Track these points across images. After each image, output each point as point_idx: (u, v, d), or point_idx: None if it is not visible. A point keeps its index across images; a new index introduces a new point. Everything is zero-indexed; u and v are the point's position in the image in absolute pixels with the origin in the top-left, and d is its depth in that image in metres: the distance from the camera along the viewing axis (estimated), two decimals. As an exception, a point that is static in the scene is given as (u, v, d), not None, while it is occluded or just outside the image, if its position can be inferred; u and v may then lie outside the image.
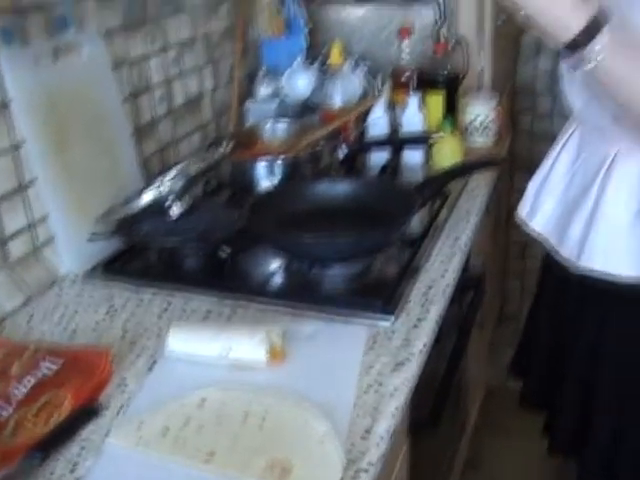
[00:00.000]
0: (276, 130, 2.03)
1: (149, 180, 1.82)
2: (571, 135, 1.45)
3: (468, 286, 1.84)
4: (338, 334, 1.33)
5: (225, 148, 1.63)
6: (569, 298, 1.50)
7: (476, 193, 1.91)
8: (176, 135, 2.07)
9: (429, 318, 1.37)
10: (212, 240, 1.55)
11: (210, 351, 1.24)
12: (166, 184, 1.53)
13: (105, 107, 1.72)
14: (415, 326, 1.34)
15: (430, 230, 1.68)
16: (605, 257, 1.34)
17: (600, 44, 1.09)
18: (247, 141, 1.96)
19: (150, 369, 1.25)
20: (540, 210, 1.49)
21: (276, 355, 1.23)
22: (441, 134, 1.91)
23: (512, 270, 3.51)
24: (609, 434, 1.46)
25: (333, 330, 1.34)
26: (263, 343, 1.22)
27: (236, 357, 1.23)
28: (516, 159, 3.21)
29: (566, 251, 1.41)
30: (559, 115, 1.42)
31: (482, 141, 2.20)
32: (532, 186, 1.54)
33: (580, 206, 1.37)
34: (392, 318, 1.35)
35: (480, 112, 2.17)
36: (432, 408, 1.45)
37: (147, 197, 1.52)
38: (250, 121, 2.26)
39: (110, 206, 1.61)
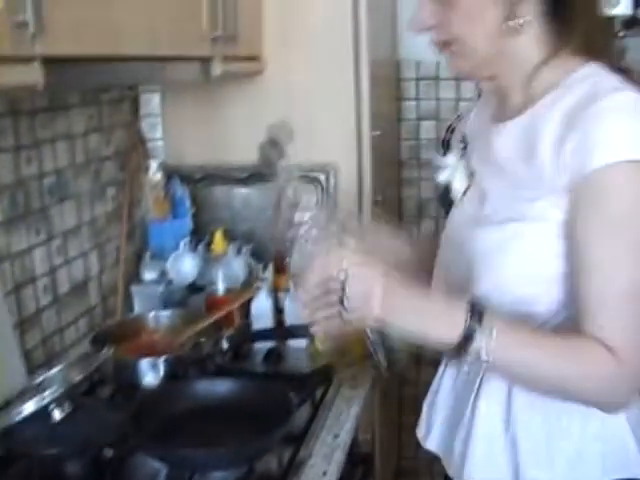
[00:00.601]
0: (160, 319, 2.05)
1: (33, 371, 1.81)
2: None
3: (357, 463, 1.86)
4: None
5: (107, 351, 1.64)
6: None
7: (359, 379, 1.94)
8: (61, 323, 2.06)
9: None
10: (93, 446, 1.54)
11: None
12: (48, 392, 1.52)
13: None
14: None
15: (314, 420, 1.71)
16: (483, 471, 1.38)
17: (484, 339, 1.16)
18: (132, 331, 1.98)
19: None
20: (432, 429, 1.53)
21: None
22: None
23: (406, 424, 3.54)
24: None
25: None
26: None
27: None
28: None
29: (451, 470, 1.47)
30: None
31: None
32: (425, 405, 1.58)
33: (460, 423, 1.41)
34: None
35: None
36: None
37: (28, 407, 1.51)
38: (137, 303, 2.28)
39: (-11, 410, 1.59)
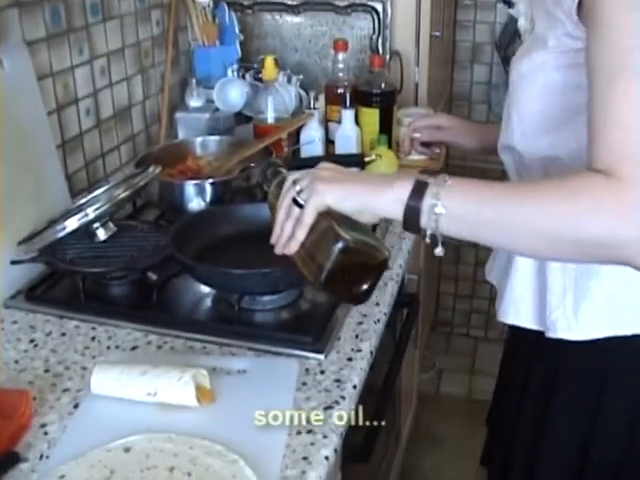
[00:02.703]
0: (207, 145, 1.98)
1: (75, 196, 1.77)
2: None
3: (402, 304, 1.82)
4: (269, 370, 1.30)
5: (153, 170, 1.58)
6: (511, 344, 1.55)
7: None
8: (104, 148, 2.01)
9: (362, 353, 1.35)
10: (139, 267, 1.50)
11: (136, 393, 1.19)
12: (92, 209, 1.46)
13: (29, 122, 1.65)
14: (349, 359, 1.33)
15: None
16: (513, 307, 1.36)
17: (438, 187, 1.01)
18: (178, 156, 1.91)
19: (73, 410, 1.20)
20: (495, 262, 1.49)
21: (204, 396, 1.19)
22: (374, 156, 1.87)
23: (445, 275, 3.52)
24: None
25: (264, 365, 1.31)
26: (190, 385, 1.18)
27: (163, 399, 1.18)
28: (451, 168, 3.21)
29: (496, 302, 1.43)
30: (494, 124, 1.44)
31: (417, 156, 2.16)
32: None
33: (511, 257, 1.36)
34: (323, 354, 1.33)
35: (415, 127, 2.13)
36: (365, 441, 1.42)
37: (72, 223, 1.46)
38: (181, 132, 2.21)
39: (34, 228, 1.55)
